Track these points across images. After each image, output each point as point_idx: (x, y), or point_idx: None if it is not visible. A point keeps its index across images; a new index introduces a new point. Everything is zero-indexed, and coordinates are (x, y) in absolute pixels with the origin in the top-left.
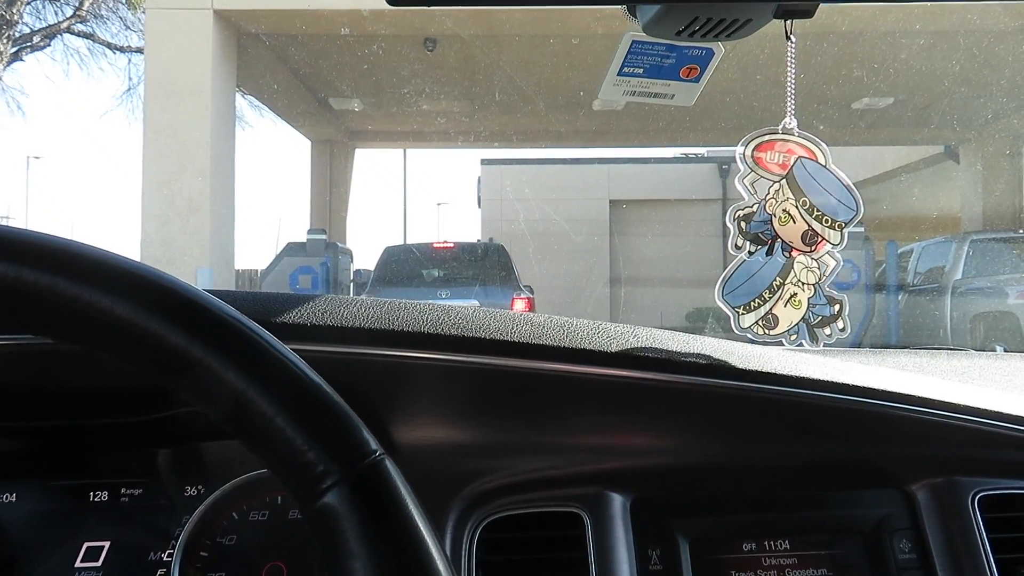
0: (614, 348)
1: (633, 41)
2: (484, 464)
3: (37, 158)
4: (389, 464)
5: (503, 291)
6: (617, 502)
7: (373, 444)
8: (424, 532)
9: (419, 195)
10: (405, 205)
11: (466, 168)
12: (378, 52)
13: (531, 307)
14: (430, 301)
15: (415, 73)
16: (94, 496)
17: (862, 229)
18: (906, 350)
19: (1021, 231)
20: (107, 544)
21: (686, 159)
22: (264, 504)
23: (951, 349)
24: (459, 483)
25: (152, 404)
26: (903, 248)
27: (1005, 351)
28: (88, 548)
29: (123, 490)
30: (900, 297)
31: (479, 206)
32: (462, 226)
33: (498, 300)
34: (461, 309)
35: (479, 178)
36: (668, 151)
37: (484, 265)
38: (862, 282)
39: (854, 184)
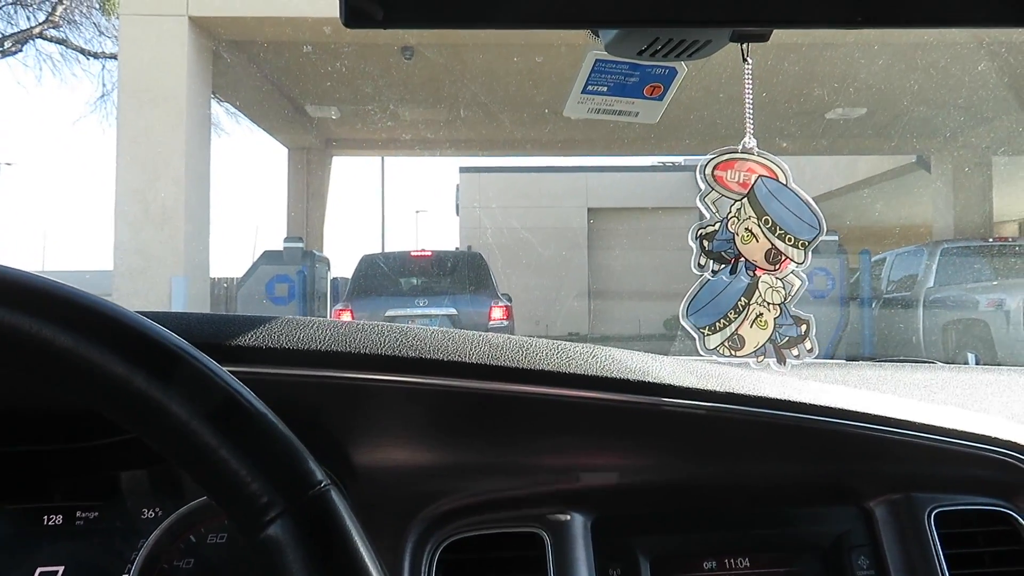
0: (572, 369)
1: (596, 60)
2: (444, 485)
3: (9, 164)
4: (334, 495)
5: (481, 299)
6: (578, 522)
7: (319, 475)
8: (368, 564)
9: (397, 203)
10: (383, 213)
11: (445, 175)
12: (355, 60)
13: (509, 315)
14: (396, 314)
15: (393, 81)
16: (48, 520)
17: (836, 238)
18: (871, 363)
19: (991, 240)
20: (61, 569)
21: (664, 167)
22: (222, 527)
23: (915, 362)
24: (419, 504)
25: (108, 427)
26: (876, 257)
27: (977, 359)
28: (41, 573)
29: (78, 513)
30: (874, 305)
31: (457, 214)
32: (441, 234)
33: (476, 308)
34: (419, 330)
35: (457, 186)
36: (646, 159)
37: (462, 273)
38: (836, 291)
39: (830, 192)
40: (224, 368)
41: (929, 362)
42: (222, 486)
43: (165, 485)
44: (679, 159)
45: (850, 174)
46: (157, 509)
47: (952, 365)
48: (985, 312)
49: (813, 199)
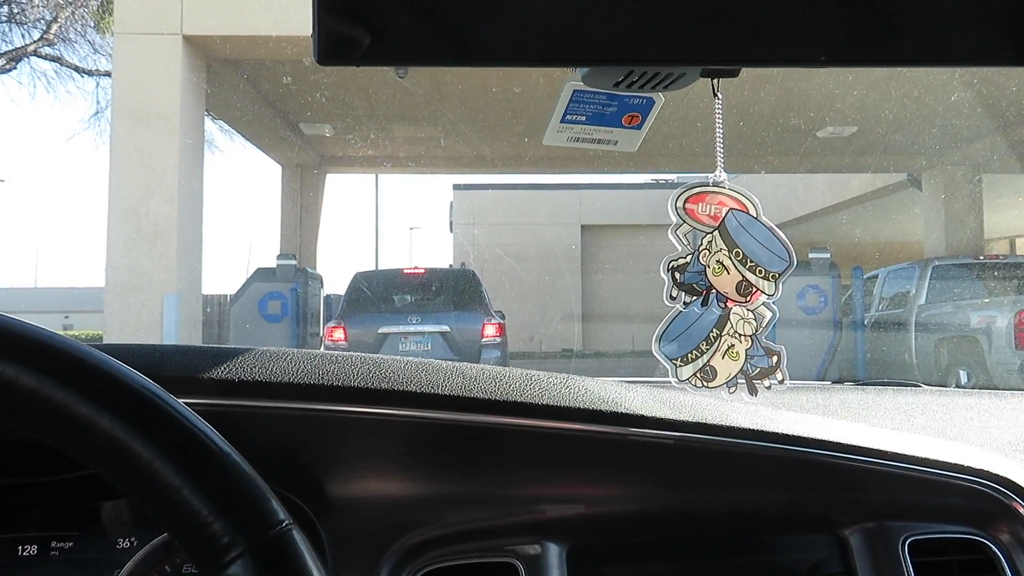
0: (545, 400)
1: (574, 90)
2: (418, 516)
3: (1, 181)
4: (296, 535)
5: (474, 316)
6: (553, 552)
7: (280, 514)
8: None
9: (391, 220)
10: (377, 230)
11: (439, 193)
12: (348, 78)
13: (502, 332)
14: (389, 331)
15: (386, 98)
16: (23, 550)
17: (828, 255)
18: (854, 386)
19: (982, 257)
20: None
21: (657, 184)
22: None
23: (899, 385)
24: (392, 535)
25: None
26: (868, 274)
27: (968, 376)
28: None
29: (53, 544)
30: (866, 322)
31: (451, 231)
32: (435, 251)
33: (469, 325)
34: (393, 361)
35: (451, 203)
36: (639, 177)
37: (455, 290)
38: (828, 308)
39: (822, 210)
40: (195, 401)
41: (914, 385)
42: (184, 525)
43: (140, 515)
44: (671, 176)
45: (842, 192)
46: (132, 539)
47: (934, 388)
48: (977, 329)
49: (806, 216)
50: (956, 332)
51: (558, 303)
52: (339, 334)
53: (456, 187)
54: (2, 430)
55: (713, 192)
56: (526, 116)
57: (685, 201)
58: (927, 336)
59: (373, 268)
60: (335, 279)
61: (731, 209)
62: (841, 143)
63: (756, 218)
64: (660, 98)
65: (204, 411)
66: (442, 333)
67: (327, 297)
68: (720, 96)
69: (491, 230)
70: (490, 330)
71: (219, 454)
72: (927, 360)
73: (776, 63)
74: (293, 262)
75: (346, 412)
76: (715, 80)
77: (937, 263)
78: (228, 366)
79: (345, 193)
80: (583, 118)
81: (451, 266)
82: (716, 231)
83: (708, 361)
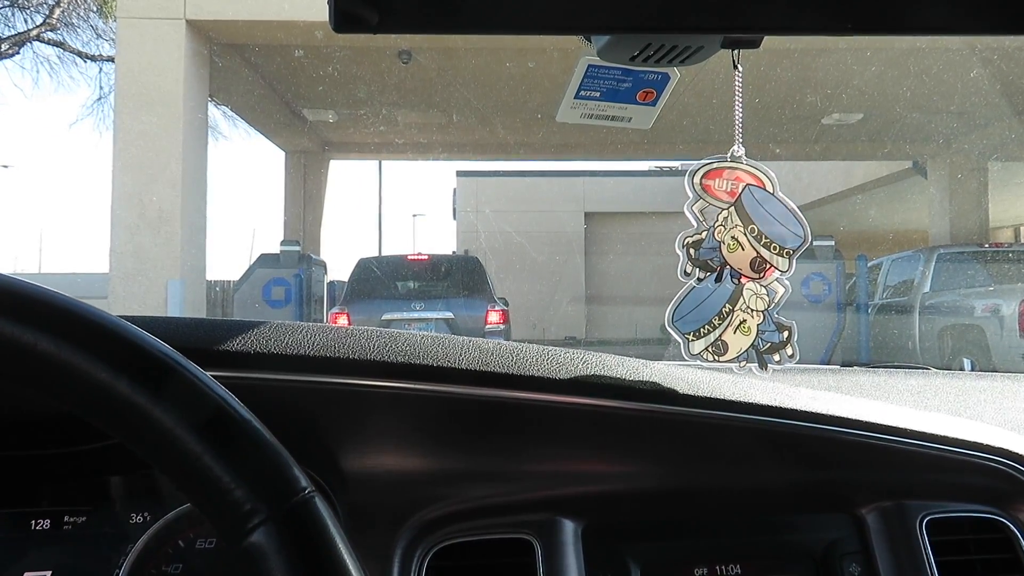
0: (563, 375)
1: (589, 65)
2: (434, 491)
3: (6, 167)
4: (318, 502)
5: (477, 303)
6: (568, 528)
7: (303, 482)
8: (352, 571)
9: (395, 206)
10: (380, 216)
11: (442, 179)
12: (352, 63)
13: (506, 319)
14: (393, 318)
15: (389, 85)
16: (36, 524)
17: (832, 243)
18: (865, 369)
19: (987, 245)
20: (48, 573)
21: (660, 172)
22: (211, 532)
23: (909, 368)
24: (408, 510)
25: (96, 432)
26: (873, 262)
27: (972, 365)
28: None
29: (66, 518)
30: (870, 310)
31: (454, 218)
32: (438, 238)
33: (472, 312)
34: (410, 335)
35: (455, 190)
36: (642, 164)
37: (459, 277)
38: (832, 295)
39: (827, 197)
40: (211, 373)
41: (923, 368)
42: (205, 493)
43: (153, 490)
44: (675, 164)
45: (847, 179)
46: (145, 514)
47: (946, 371)
48: (981, 318)
49: (811, 204)
50: (960, 320)
51: (562, 290)
52: (343, 320)
53: (459, 174)
54: (13, 400)
55: (731, 167)
56: (539, 92)
57: (702, 177)
58: (931, 324)
59: (377, 254)
60: (339, 265)
61: (748, 185)
62: (847, 130)
63: (772, 194)
64: (675, 74)
65: (221, 383)
66: (446, 320)
67: (331, 283)
68: (740, 68)
69: (494, 217)
70: (494, 317)
71: (241, 421)
72: (931, 348)
73: (802, 30)
74: (297, 248)
75: (363, 386)
76: (735, 52)
77: (942, 251)
78: (245, 338)
79: (349, 179)
80: (597, 94)
81: (454, 253)
82: (732, 207)
83: (720, 336)
